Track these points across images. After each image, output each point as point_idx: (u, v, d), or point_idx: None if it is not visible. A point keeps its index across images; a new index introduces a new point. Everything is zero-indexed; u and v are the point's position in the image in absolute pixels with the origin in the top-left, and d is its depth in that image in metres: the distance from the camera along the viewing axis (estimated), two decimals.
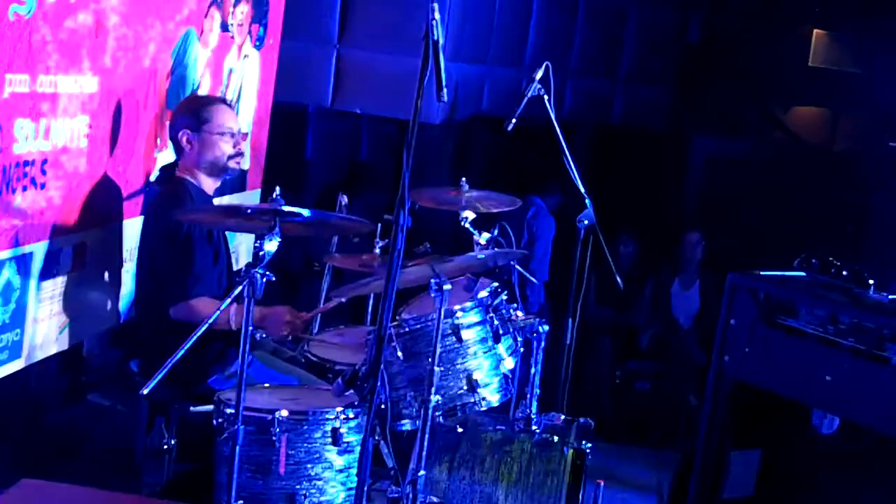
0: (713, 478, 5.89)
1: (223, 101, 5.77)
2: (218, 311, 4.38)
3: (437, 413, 4.81)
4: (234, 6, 6.88)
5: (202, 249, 5.37)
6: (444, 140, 9.74)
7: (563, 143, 6.02)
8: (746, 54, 10.81)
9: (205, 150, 5.51)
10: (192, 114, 5.55)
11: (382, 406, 4.69)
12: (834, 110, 11.24)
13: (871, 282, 5.65)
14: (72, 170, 5.37)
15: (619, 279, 6.52)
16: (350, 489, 4.56)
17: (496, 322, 5.08)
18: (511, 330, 5.20)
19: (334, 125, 9.68)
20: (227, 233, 5.76)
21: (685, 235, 9.51)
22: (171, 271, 5.32)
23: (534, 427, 5.21)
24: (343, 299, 5.48)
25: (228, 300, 4.38)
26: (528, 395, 5.26)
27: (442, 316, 4.63)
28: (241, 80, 7.27)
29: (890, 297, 5.63)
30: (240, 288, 4.29)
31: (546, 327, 5.32)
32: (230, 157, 5.57)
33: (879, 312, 5.40)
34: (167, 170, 5.73)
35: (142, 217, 5.98)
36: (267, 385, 5.08)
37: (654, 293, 9.61)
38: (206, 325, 4.28)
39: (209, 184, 5.60)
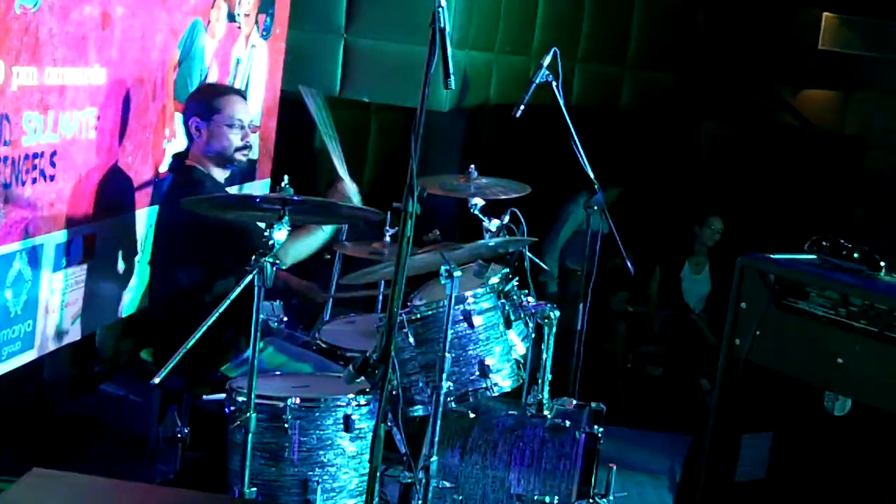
0: (725, 461, 5.88)
1: (237, 91, 5.79)
2: (229, 300, 4.37)
3: (448, 399, 4.82)
4: None
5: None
6: (452, 127, 9.73)
7: (572, 129, 6.01)
8: (755, 37, 10.79)
9: (212, 139, 5.52)
10: (204, 102, 5.57)
11: (394, 392, 4.70)
12: (844, 93, 11.21)
13: (882, 263, 5.64)
14: (81, 162, 5.38)
15: (629, 264, 6.51)
16: (363, 475, 4.57)
17: (507, 308, 5.09)
18: (522, 315, 5.21)
19: (342, 114, 9.67)
20: None
21: (707, 220, 9.45)
22: (225, 250, 5.29)
23: (546, 412, 5.22)
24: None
25: (238, 290, 4.38)
26: (540, 381, 5.26)
27: (453, 302, 4.64)
28: (249, 70, 7.27)
29: None
30: (250, 277, 4.30)
31: (557, 313, 5.32)
32: (237, 149, 5.57)
33: (891, 294, 5.39)
34: (178, 158, 5.74)
35: (151, 207, 6.00)
36: (278, 373, 5.09)
37: (662, 278, 9.60)
38: (217, 314, 4.28)
39: (218, 172, 5.61)
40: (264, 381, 4.63)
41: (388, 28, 8.22)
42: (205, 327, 4.22)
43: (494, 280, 5.10)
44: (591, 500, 5.11)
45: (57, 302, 5.41)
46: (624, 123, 10.70)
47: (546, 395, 5.26)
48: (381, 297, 6.53)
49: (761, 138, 10.96)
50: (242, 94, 5.76)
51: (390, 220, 6.18)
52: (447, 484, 4.99)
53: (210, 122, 5.50)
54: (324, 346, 5.56)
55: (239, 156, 5.60)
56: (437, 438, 4.60)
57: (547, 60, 6.04)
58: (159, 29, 5.97)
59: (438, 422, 4.60)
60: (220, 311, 4.31)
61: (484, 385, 4.94)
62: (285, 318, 5.64)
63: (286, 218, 4.40)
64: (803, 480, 5.75)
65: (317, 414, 4.56)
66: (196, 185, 5.42)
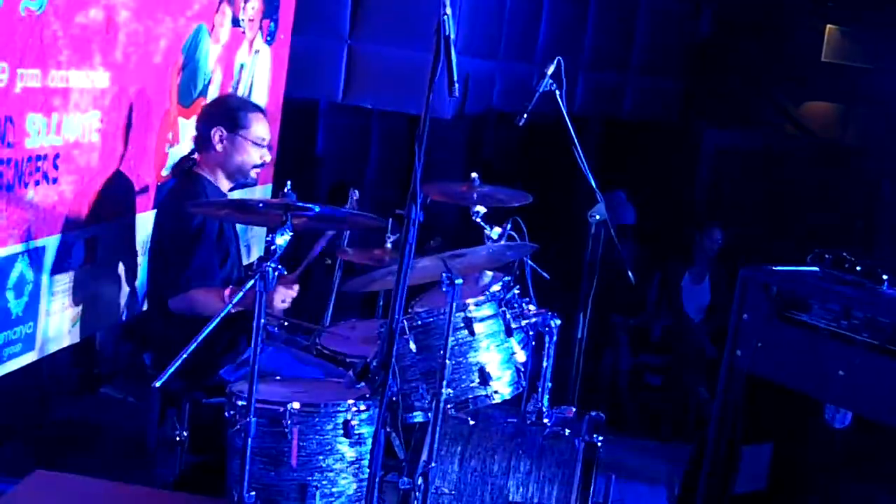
0: (724, 472, 5.88)
1: (262, 110, 5.74)
2: (231, 304, 4.38)
3: (448, 405, 4.82)
4: (245, 1, 6.89)
5: (209, 249, 5.37)
6: (455, 135, 9.74)
7: (575, 138, 6.01)
8: (758, 48, 10.80)
9: (235, 153, 5.52)
10: (230, 114, 5.55)
11: (394, 398, 4.70)
12: (846, 105, 11.22)
13: (884, 277, 5.64)
14: (84, 164, 5.39)
15: (630, 274, 6.51)
16: (362, 481, 4.57)
17: (508, 316, 5.08)
18: (523, 323, 5.20)
19: (345, 120, 9.68)
20: (238, 229, 5.77)
21: (708, 230, 9.43)
22: (173, 264, 5.32)
23: (545, 420, 5.21)
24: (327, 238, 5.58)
25: (241, 294, 4.39)
26: (540, 389, 5.26)
27: (454, 309, 4.64)
28: (252, 75, 7.27)
29: None
30: (251, 282, 4.30)
31: (558, 321, 5.32)
32: (254, 166, 5.60)
33: (893, 307, 5.39)
34: (184, 162, 5.72)
35: (154, 211, 6.00)
36: (279, 377, 5.08)
37: (662, 286, 9.58)
38: (220, 318, 4.28)
39: (225, 184, 5.61)
40: (264, 386, 4.63)
41: (393, 35, 8.22)
42: (206, 331, 4.21)
43: (496, 288, 5.10)
44: None
45: (58, 304, 5.41)
46: (627, 132, 10.71)
47: (546, 403, 5.25)
48: (381, 303, 6.53)
49: (764, 149, 10.98)
50: (265, 113, 5.74)
51: (392, 227, 6.18)
52: (445, 490, 4.98)
53: (236, 135, 5.50)
54: (324, 351, 5.55)
55: (253, 172, 5.64)
56: (436, 445, 4.60)
57: (551, 69, 6.03)
58: (163, 33, 5.97)
59: (438, 428, 4.60)
60: (222, 315, 4.31)
61: (484, 392, 4.93)
62: (286, 323, 5.64)
63: (289, 223, 4.40)
64: (803, 492, 5.75)
65: (317, 419, 4.54)
66: (200, 193, 5.41)
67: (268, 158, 5.68)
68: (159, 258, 5.49)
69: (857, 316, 5.44)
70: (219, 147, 5.50)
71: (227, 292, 5.10)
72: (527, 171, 8.69)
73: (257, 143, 5.55)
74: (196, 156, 5.62)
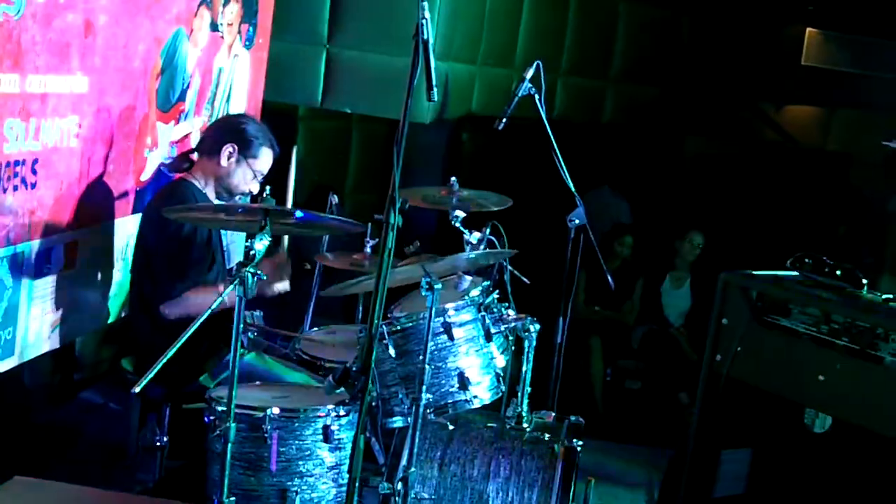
0: (704, 476, 5.89)
1: (275, 148, 5.73)
2: (211, 308, 4.37)
3: (428, 410, 4.81)
4: (224, 6, 6.88)
5: (199, 255, 5.38)
6: (434, 139, 9.73)
7: (554, 142, 6.01)
8: (738, 53, 10.81)
9: (235, 174, 5.58)
10: (246, 139, 5.59)
11: (373, 403, 4.69)
12: (827, 109, 11.23)
13: (864, 281, 5.65)
14: (63, 170, 5.36)
15: (609, 279, 6.51)
16: (341, 486, 4.56)
17: (488, 320, 5.08)
18: (502, 328, 5.20)
19: (324, 125, 9.68)
20: (222, 234, 5.77)
21: (688, 235, 9.44)
22: (165, 271, 5.33)
23: (525, 425, 5.21)
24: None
25: (221, 298, 4.37)
26: (520, 393, 5.25)
27: (433, 314, 4.63)
28: (231, 79, 7.26)
29: (883, 296, 5.64)
30: (231, 287, 4.29)
31: (537, 326, 5.31)
32: (241, 192, 5.63)
33: (872, 312, 5.40)
34: (180, 162, 5.72)
35: (133, 216, 5.99)
36: (258, 382, 5.07)
37: (644, 292, 9.58)
38: (199, 322, 4.26)
39: (213, 195, 5.62)
40: (244, 391, 4.62)
41: (371, 39, 8.22)
42: (186, 336, 4.20)
43: (475, 293, 5.09)
44: None
45: (38, 310, 5.39)
46: (607, 137, 10.71)
47: (525, 407, 5.25)
48: (360, 309, 6.53)
49: (744, 154, 10.99)
50: (276, 152, 5.74)
51: (371, 232, 6.18)
52: (425, 495, 4.98)
53: (244, 160, 5.54)
54: (304, 356, 5.55)
55: (237, 197, 5.65)
56: (415, 450, 4.59)
57: (530, 73, 6.03)
58: (142, 37, 5.96)
59: (418, 433, 4.59)
60: (202, 320, 4.30)
61: (463, 397, 4.92)
62: (266, 329, 5.64)
63: (268, 228, 4.40)
64: (782, 497, 5.76)
65: (296, 424, 4.54)
66: (185, 198, 5.42)
67: (255, 189, 5.68)
68: (145, 264, 5.48)
69: (837, 320, 5.45)
70: (224, 162, 5.52)
71: (221, 288, 5.10)
72: (506, 175, 8.67)
73: (255, 176, 5.58)
74: (194, 156, 5.63)
